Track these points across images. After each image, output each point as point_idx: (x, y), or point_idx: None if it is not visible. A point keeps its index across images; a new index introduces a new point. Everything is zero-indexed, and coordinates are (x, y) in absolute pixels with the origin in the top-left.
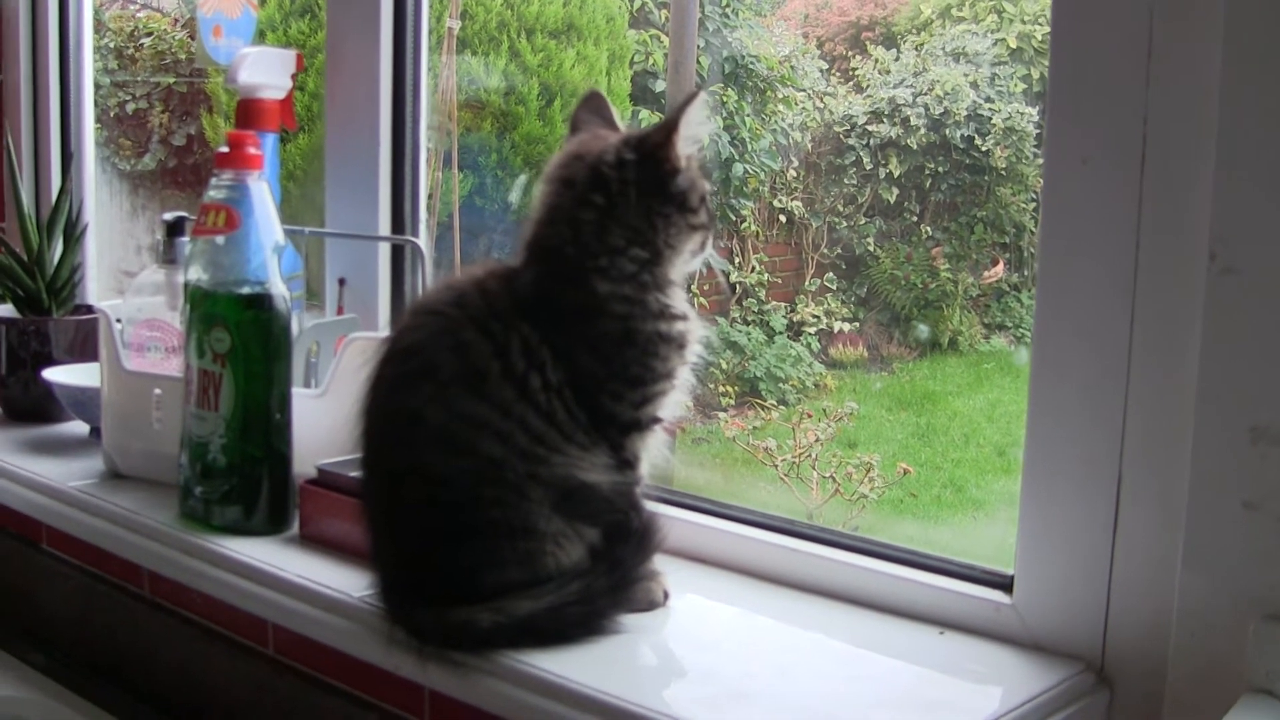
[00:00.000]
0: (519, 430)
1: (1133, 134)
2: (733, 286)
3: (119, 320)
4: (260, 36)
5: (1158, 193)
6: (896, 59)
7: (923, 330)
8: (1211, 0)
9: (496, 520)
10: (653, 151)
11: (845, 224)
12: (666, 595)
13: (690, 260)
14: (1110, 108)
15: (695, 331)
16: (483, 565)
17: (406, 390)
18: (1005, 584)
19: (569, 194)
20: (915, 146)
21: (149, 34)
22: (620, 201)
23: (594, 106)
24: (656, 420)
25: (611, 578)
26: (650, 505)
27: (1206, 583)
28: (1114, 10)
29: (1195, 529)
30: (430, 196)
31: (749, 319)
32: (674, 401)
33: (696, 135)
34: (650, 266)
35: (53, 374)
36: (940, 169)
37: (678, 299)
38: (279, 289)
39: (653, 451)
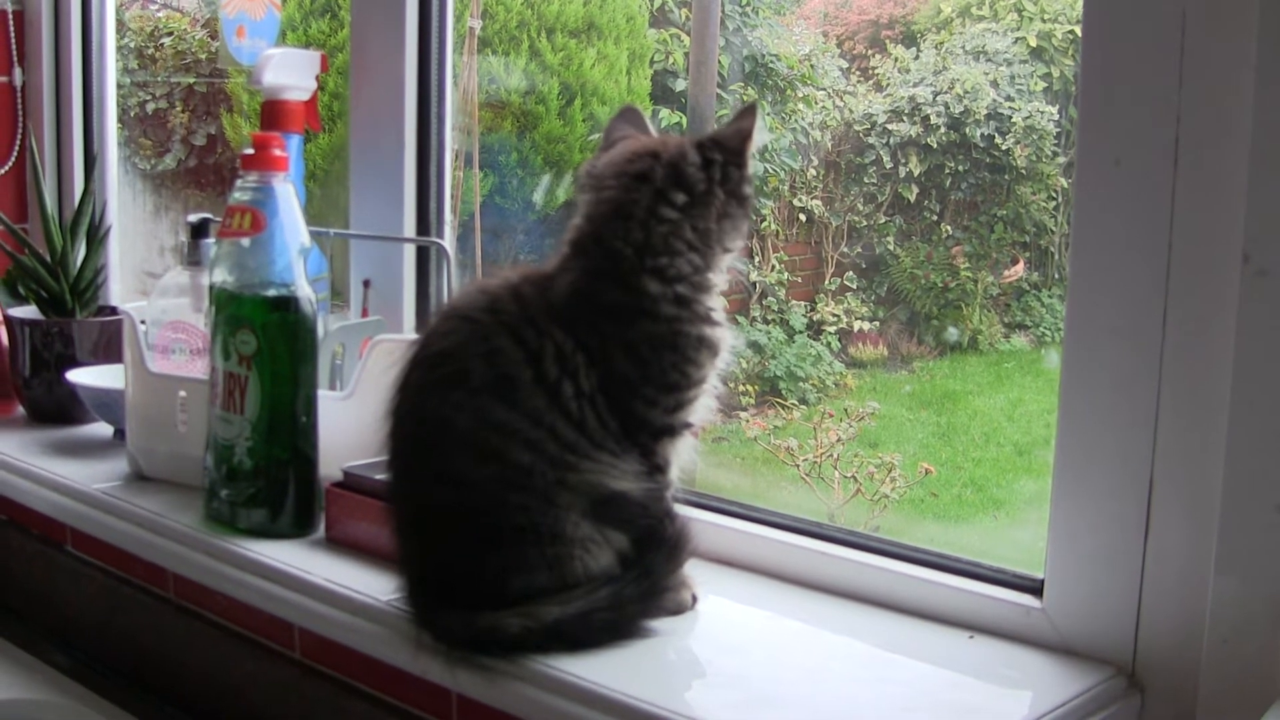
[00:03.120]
0: (549, 438)
1: (1165, 135)
2: (752, 285)
3: (143, 322)
4: (280, 36)
5: (1190, 194)
6: (916, 57)
7: (952, 333)
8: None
9: (524, 526)
10: (733, 155)
11: (865, 223)
12: (695, 599)
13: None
14: (1142, 108)
15: (728, 339)
16: (510, 571)
17: (436, 396)
18: (1035, 588)
19: (645, 190)
20: (935, 145)
21: (169, 34)
22: (703, 201)
23: (630, 118)
24: (687, 425)
25: (641, 585)
26: (681, 511)
27: (1239, 587)
28: (1146, 10)
29: (1228, 533)
30: (452, 196)
31: (769, 318)
32: (704, 407)
33: (758, 144)
34: (703, 271)
35: (77, 376)
36: (960, 168)
37: (719, 305)
38: (305, 291)
39: (682, 456)
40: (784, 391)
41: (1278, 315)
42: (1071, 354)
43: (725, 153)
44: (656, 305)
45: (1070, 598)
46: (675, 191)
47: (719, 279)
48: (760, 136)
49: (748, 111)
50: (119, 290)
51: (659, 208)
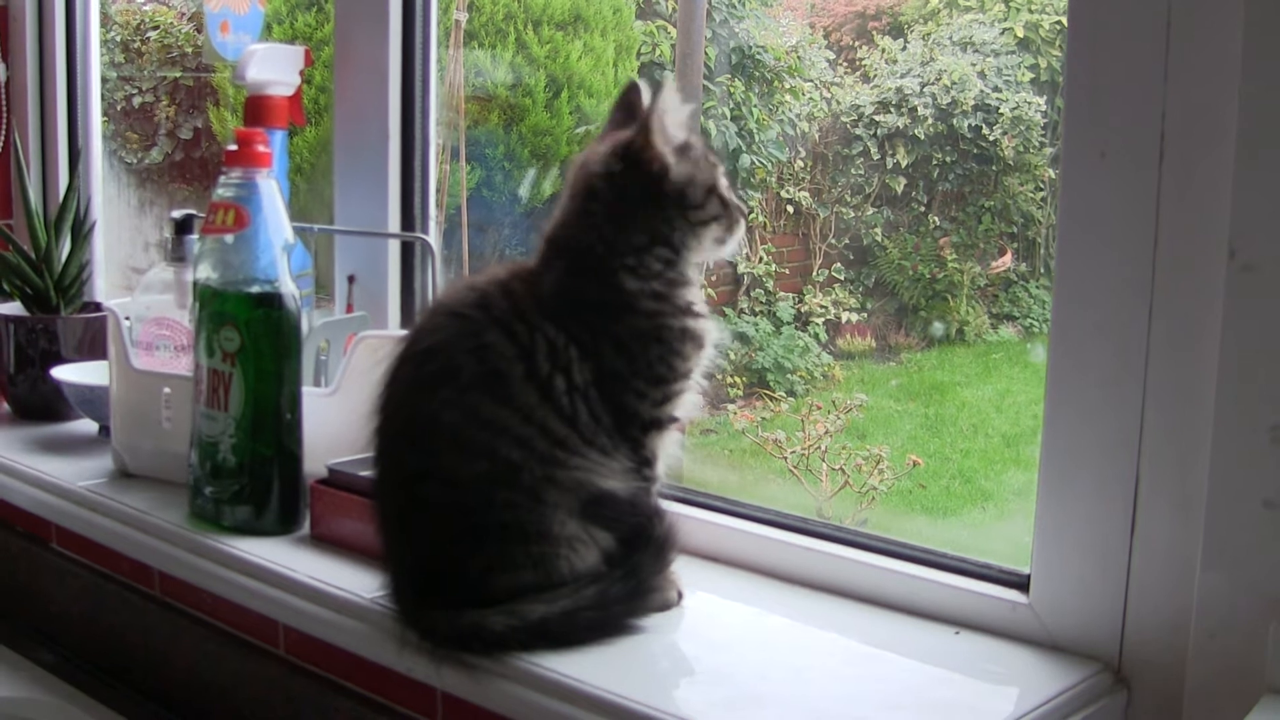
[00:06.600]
0: (539, 434)
1: (1151, 128)
2: (740, 277)
3: (128, 318)
4: (266, 30)
5: (1176, 188)
6: (903, 49)
7: (938, 328)
8: None
9: (510, 524)
10: (636, 157)
11: (853, 214)
12: (680, 595)
13: (715, 249)
14: (1128, 102)
15: (713, 332)
16: (496, 568)
17: (425, 393)
18: (1022, 583)
19: (576, 201)
20: (922, 136)
21: (155, 27)
22: (619, 211)
23: (626, 101)
24: (674, 419)
25: (628, 584)
26: (667, 507)
27: (1226, 582)
28: (1131, 4)
29: (1215, 528)
30: (438, 191)
31: (756, 310)
32: (690, 402)
33: (677, 124)
34: (673, 265)
35: (61, 372)
36: (948, 159)
37: (698, 297)
38: (289, 287)
39: (669, 451)
40: (772, 383)
41: (1263, 310)
42: (1058, 349)
43: (627, 158)
44: (636, 301)
45: (1056, 593)
46: (591, 203)
47: (695, 271)
48: (675, 118)
49: (653, 97)
50: (104, 286)
51: (601, 215)
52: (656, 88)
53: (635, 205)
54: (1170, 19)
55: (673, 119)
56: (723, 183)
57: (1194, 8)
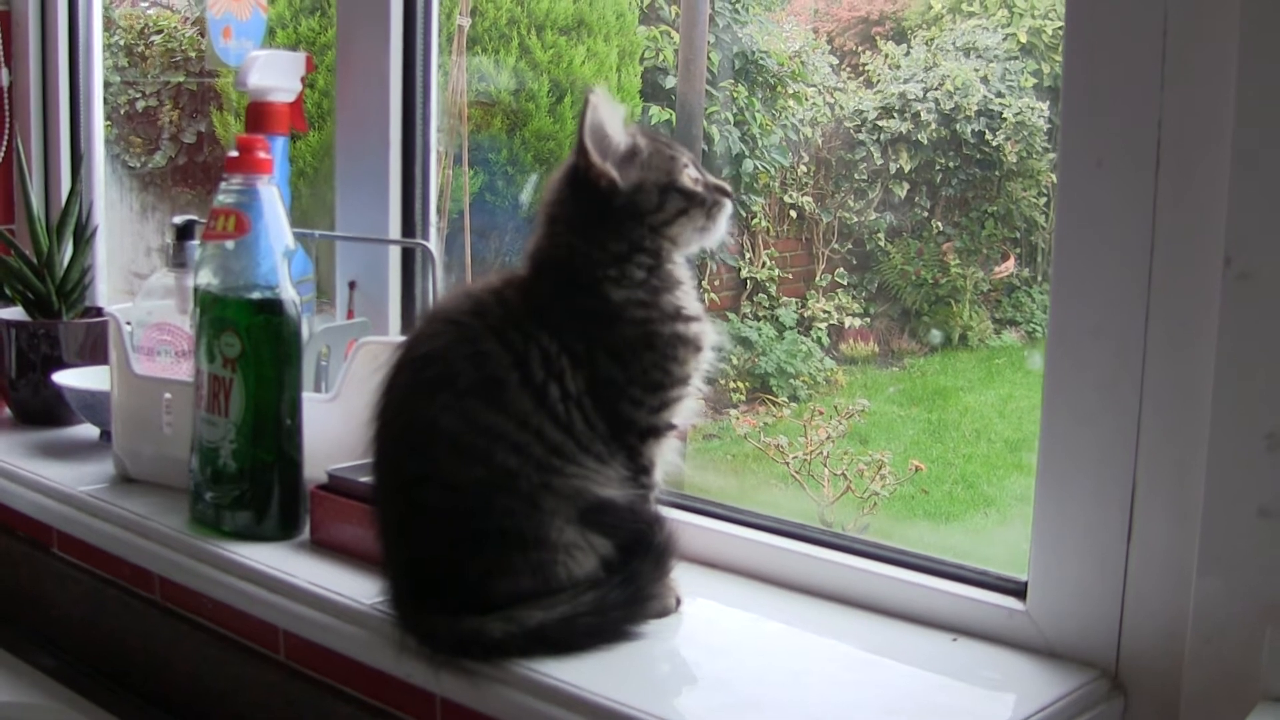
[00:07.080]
0: (535, 441)
1: (1147, 137)
2: (743, 282)
3: (129, 323)
4: (270, 34)
5: (1173, 196)
6: (907, 54)
7: (936, 335)
8: (1226, 2)
9: (508, 529)
10: (583, 180)
11: (855, 219)
12: (679, 601)
13: (702, 238)
14: (1125, 111)
15: (709, 335)
16: (494, 574)
17: (423, 398)
18: (1019, 590)
19: (544, 226)
20: (926, 141)
21: (159, 31)
22: (584, 232)
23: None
24: (672, 426)
25: (626, 591)
26: (666, 513)
27: (1222, 589)
28: (1128, 12)
29: (1211, 535)
30: (440, 195)
31: (759, 314)
32: (688, 408)
33: (618, 130)
34: (656, 270)
35: (63, 377)
36: (951, 164)
37: (690, 300)
38: (289, 294)
39: (667, 458)
40: (775, 388)
41: (1259, 318)
42: (1054, 355)
43: (574, 182)
44: (624, 310)
45: (1053, 600)
46: (554, 227)
47: (684, 272)
48: (608, 129)
49: (580, 115)
50: (106, 290)
51: (569, 237)
52: (583, 104)
53: (596, 224)
54: (1166, 28)
55: (612, 126)
56: (683, 175)
57: (1190, 17)
